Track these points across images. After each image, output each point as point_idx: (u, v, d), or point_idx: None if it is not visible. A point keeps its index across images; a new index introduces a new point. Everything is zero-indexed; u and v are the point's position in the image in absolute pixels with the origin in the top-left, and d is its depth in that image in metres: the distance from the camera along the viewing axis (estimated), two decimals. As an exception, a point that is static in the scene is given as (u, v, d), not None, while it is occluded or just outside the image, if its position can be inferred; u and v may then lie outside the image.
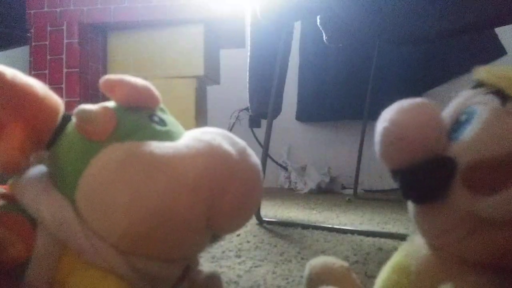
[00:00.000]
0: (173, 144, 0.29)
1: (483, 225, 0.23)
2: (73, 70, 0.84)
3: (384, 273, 0.31)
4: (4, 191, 0.29)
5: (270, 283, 0.50)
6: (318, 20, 0.94)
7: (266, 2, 0.86)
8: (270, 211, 1.09)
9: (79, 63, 0.84)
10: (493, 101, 0.24)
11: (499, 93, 0.24)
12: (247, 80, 1.09)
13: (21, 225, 0.26)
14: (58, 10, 0.85)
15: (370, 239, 0.74)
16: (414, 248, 0.29)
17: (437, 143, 0.25)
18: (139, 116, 0.29)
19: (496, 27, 1.21)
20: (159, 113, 0.31)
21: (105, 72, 0.88)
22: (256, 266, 0.57)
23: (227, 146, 0.29)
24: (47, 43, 0.86)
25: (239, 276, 0.52)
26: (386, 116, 0.26)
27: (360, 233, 0.80)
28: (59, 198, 0.27)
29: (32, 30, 0.86)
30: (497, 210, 0.22)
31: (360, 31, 0.89)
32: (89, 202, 0.26)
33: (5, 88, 0.25)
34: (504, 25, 0.75)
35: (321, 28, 0.95)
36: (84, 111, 0.27)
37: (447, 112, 0.27)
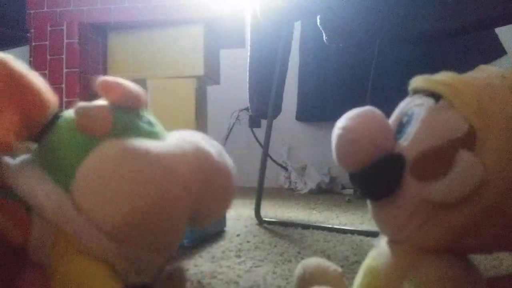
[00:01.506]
0: (165, 143, 0.31)
1: (436, 210, 0.26)
2: (73, 70, 0.84)
3: (357, 279, 0.32)
4: None
5: (270, 283, 0.50)
6: (318, 20, 0.94)
7: (266, 2, 0.86)
8: (270, 211, 1.09)
9: (79, 63, 0.84)
10: (428, 102, 0.28)
11: (432, 95, 0.28)
12: (247, 80, 1.09)
13: (16, 212, 0.27)
14: (58, 10, 0.85)
15: (370, 239, 0.74)
16: (379, 249, 0.31)
17: (386, 142, 0.28)
18: (130, 116, 0.31)
19: (496, 27, 1.21)
20: (145, 114, 0.33)
21: (105, 72, 0.88)
22: (256, 266, 0.57)
23: (209, 147, 0.33)
24: (47, 43, 0.86)
25: (239, 276, 0.52)
26: (339, 124, 0.29)
27: (360, 233, 0.80)
28: (55, 187, 0.28)
29: (32, 30, 0.86)
30: (444, 192, 0.25)
31: (360, 31, 0.89)
32: (87, 191, 0.28)
33: (7, 75, 0.27)
34: (504, 25, 0.75)
35: (321, 28, 0.95)
36: (84, 108, 0.29)
37: (391, 119, 0.31)
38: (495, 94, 0.26)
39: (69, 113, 0.31)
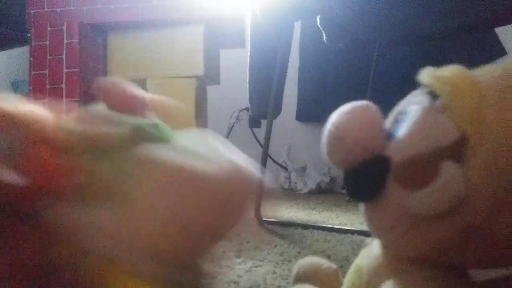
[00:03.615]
0: (205, 161, 0.30)
1: (417, 220, 0.24)
2: (73, 70, 0.84)
3: (346, 276, 0.32)
4: None
5: (270, 283, 0.50)
6: (318, 20, 0.94)
7: (266, 2, 0.86)
8: (270, 211, 1.09)
9: (79, 63, 0.84)
10: (426, 101, 0.25)
11: (432, 93, 0.25)
12: (247, 80, 1.09)
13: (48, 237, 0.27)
14: (58, 10, 0.85)
15: (370, 239, 0.74)
16: (370, 249, 0.30)
17: (374, 143, 0.26)
18: (140, 122, 0.30)
19: (496, 27, 1.21)
20: (150, 117, 0.32)
21: (105, 72, 0.88)
22: (256, 266, 0.57)
23: (246, 166, 0.31)
24: (47, 43, 0.86)
25: (239, 276, 0.52)
26: (331, 119, 0.28)
27: (360, 233, 0.80)
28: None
29: (32, 30, 0.86)
30: (421, 204, 0.23)
31: (360, 31, 0.89)
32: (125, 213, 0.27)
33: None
34: (504, 25, 0.75)
35: (321, 28, 0.95)
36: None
37: (392, 113, 0.29)
38: (504, 103, 0.22)
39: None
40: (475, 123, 0.22)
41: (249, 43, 1.04)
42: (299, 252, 0.65)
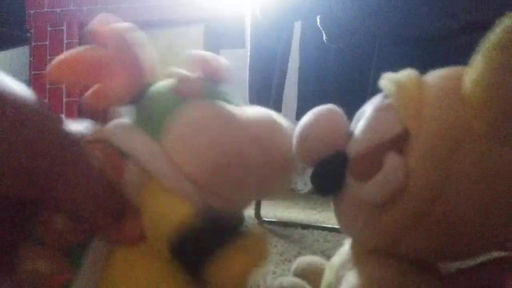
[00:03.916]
0: (242, 109, 0.34)
1: (373, 212, 0.26)
2: (73, 70, 0.84)
3: (323, 276, 0.33)
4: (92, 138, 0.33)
5: (270, 283, 0.50)
6: (318, 20, 0.94)
7: (266, 2, 0.86)
8: (270, 211, 1.09)
9: (79, 63, 0.84)
10: (379, 100, 0.29)
11: (385, 93, 0.29)
12: (247, 80, 1.09)
13: (113, 155, 0.31)
14: (58, 10, 0.85)
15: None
16: (343, 247, 0.32)
17: (335, 140, 0.28)
18: (216, 85, 0.35)
19: (496, 27, 1.21)
20: (225, 86, 0.36)
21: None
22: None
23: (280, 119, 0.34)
24: (47, 43, 0.86)
25: (239, 276, 0.52)
26: (300, 122, 0.30)
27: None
28: (148, 138, 0.32)
29: (32, 30, 0.86)
30: (370, 193, 0.25)
31: (360, 31, 0.89)
32: (176, 142, 0.31)
33: (123, 46, 0.33)
34: (504, 25, 0.75)
35: (321, 28, 0.95)
36: (184, 75, 0.34)
37: (357, 114, 0.31)
38: (441, 99, 0.25)
39: (162, 82, 0.36)
40: (415, 118, 0.24)
41: (249, 43, 1.04)
42: (299, 252, 0.65)
